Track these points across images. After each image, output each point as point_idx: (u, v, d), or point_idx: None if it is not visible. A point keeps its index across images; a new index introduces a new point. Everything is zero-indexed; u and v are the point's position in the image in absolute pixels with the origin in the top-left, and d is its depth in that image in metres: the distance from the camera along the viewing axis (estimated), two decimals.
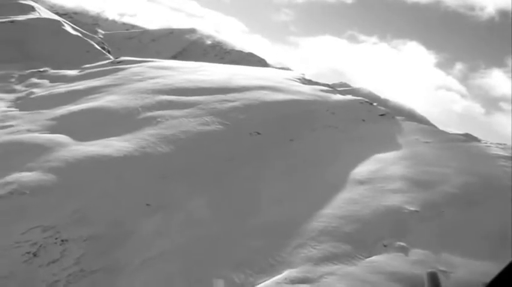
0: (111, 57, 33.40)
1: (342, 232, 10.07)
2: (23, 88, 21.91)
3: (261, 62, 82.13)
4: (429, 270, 1.88)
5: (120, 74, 24.23)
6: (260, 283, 8.46)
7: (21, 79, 23.36)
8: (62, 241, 9.47)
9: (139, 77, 23.09)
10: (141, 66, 26.40)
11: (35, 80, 23.39)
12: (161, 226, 10.83)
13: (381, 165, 13.80)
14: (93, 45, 34.89)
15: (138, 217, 10.86)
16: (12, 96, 20.64)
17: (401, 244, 9.55)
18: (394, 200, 11.21)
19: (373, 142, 16.43)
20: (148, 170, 12.82)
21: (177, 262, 9.41)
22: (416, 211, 10.69)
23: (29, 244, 9.35)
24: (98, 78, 23.33)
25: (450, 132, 18.96)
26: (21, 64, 25.64)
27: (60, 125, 15.95)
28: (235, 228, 11.04)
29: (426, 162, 13.68)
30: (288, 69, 36.70)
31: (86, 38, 37.83)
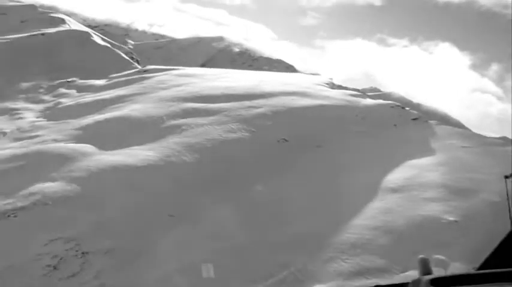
0: (138, 66, 33.58)
1: (375, 244, 9.45)
2: (51, 98, 22.10)
3: (289, 68, 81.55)
4: (421, 256, 1.84)
5: (146, 82, 24.18)
6: None
7: (50, 89, 23.60)
8: (83, 253, 9.20)
9: (164, 85, 22.96)
10: (166, 74, 26.32)
11: (63, 90, 23.60)
12: (184, 237, 10.44)
13: (415, 171, 13.06)
14: (120, 55, 35.18)
15: (160, 228, 10.51)
16: (40, 106, 20.83)
17: (440, 257, 8.82)
18: (431, 210, 10.49)
19: (406, 147, 15.66)
20: (172, 179, 12.49)
21: (200, 276, 8.98)
22: (455, 221, 9.96)
23: (50, 256, 9.13)
24: (124, 87, 23.32)
25: (487, 136, 18.00)
26: (50, 75, 25.94)
27: (85, 135, 15.87)
28: (262, 240, 10.55)
29: (464, 168, 12.86)
30: (316, 74, 36.06)
31: (114, 49, 38.24)
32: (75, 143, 15.02)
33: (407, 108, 20.04)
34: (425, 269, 1.95)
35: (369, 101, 19.95)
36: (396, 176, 12.97)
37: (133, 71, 29.07)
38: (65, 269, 9.04)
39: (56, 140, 15.35)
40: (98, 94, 22.60)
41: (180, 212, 11.19)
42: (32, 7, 46.72)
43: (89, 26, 66.46)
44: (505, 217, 10.05)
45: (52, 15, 45.33)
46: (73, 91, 23.59)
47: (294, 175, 13.91)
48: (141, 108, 19.07)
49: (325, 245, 9.57)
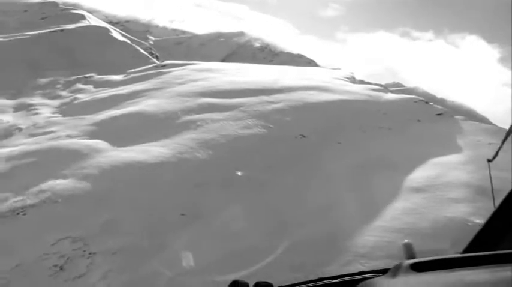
0: (156, 61, 33.41)
1: (396, 247, 8.86)
2: (68, 94, 22.03)
3: (310, 63, 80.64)
4: (405, 241, 1.86)
5: (163, 77, 23.93)
6: None
7: (67, 85, 23.57)
8: (90, 253, 8.89)
9: (182, 80, 22.65)
10: (184, 69, 26.03)
11: (80, 85, 23.54)
12: (196, 237, 10.03)
13: (440, 170, 12.37)
14: (139, 50, 35.09)
15: (171, 227, 10.13)
16: (57, 102, 20.76)
17: None
18: (457, 211, 9.83)
19: (431, 144, 14.95)
20: (184, 177, 12.11)
21: (210, 278, 8.57)
22: (481, 224, 9.30)
23: (57, 256, 8.84)
24: (141, 83, 23.11)
25: None
26: (68, 71, 25.96)
27: (99, 131, 15.65)
28: (276, 242, 10.06)
29: (492, 166, 12.12)
30: (337, 69, 35.33)
31: (133, 44, 38.20)
32: (89, 139, 14.79)
33: (431, 103, 19.24)
34: (410, 254, 1.86)
35: (391, 96, 19.22)
36: (420, 175, 12.29)
37: (151, 66, 28.88)
38: (72, 269, 8.74)
39: (69, 136, 15.16)
40: (114, 89, 22.44)
41: (192, 211, 10.79)
42: (53, 4, 47.12)
43: (110, 23, 66.92)
44: None
45: (72, 11, 45.55)
46: (90, 87, 23.50)
47: (311, 172, 13.36)
48: (156, 103, 18.78)
49: (343, 248, 9.02)
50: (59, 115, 18.43)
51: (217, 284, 8.58)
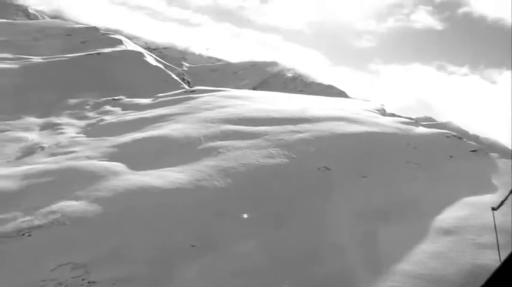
0: (186, 87, 33.61)
1: None
2: (95, 115, 22.18)
3: (341, 95, 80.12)
4: None
5: (191, 103, 23.86)
6: None
7: (96, 106, 23.79)
8: (89, 282, 8.42)
9: (208, 106, 22.49)
10: (212, 95, 25.95)
11: (108, 107, 23.72)
12: (206, 271, 9.45)
13: (473, 211, 11.43)
14: (171, 75, 35.44)
15: (180, 259, 9.59)
16: (83, 122, 20.87)
17: None
18: (489, 258, 8.91)
19: (463, 183, 14.00)
20: (199, 205, 11.62)
21: None
22: None
23: (54, 283, 8.41)
24: (168, 107, 23.09)
25: None
26: (99, 92, 26.31)
27: (119, 153, 15.46)
28: (291, 279, 9.40)
29: None
30: (367, 100, 34.65)
31: (166, 69, 38.69)
32: (108, 161, 14.59)
33: (464, 139, 18.26)
34: None
35: (422, 130, 18.37)
36: (450, 215, 11.40)
37: (180, 91, 28.99)
38: None
39: (89, 157, 15.01)
40: (141, 113, 22.46)
41: (204, 242, 10.24)
42: (94, 29, 48.65)
43: (148, 49, 68.58)
44: None
45: (111, 36, 46.84)
46: (118, 109, 23.64)
47: (333, 207, 12.65)
48: (181, 128, 18.57)
49: None
50: (83, 135, 18.45)
51: None
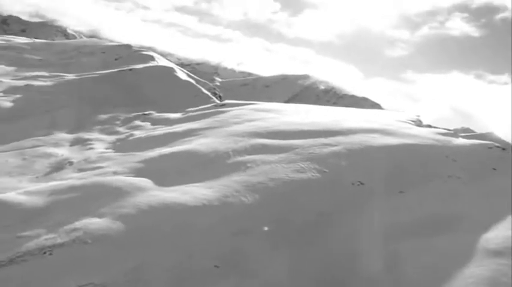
0: (216, 101, 33.45)
1: None
2: (125, 130, 22.17)
3: (375, 106, 78.59)
4: None
5: (220, 116, 23.53)
6: None
7: (126, 122, 23.83)
8: None
9: (238, 120, 22.07)
10: (242, 109, 25.56)
11: (138, 122, 23.72)
12: None
13: None
14: (201, 90, 35.40)
15: (202, 280, 9.07)
16: (113, 138, 20.85)
17: None
18: None
19: (510, 197, 12.96)
20: (224, 223, 11.10)
21: None
22: None
23: None
24: (198, 121, 22.83)
25: None
26: (129, 108, 26.42)
27: (146, 168, 15.18)
28: None
29: None
30: (402, 111, 33.50)
31: (197, 84, 38.75)
32: (134, 176, 14.31)
33: (508, 150, 17.08)
34: None
35: (461, 141, 17.32)
36: (499, 234, 10.43)
37: (210, 105, 28.79)
38: None
39: (116, 173, 14.80)
40: (170, 127, 22.28)
41: (228, 263, 9.69)
42: (127, 46, 49.55)
43: (181, 65, 69.30)
44: None
45: (143, 53, 47.53)
46: (148, 124, 23.60)
47: (369, 225, 11.87)
48: (209, 142, 18.18)
49: None
50: (112, 151, 18.35)
51: None
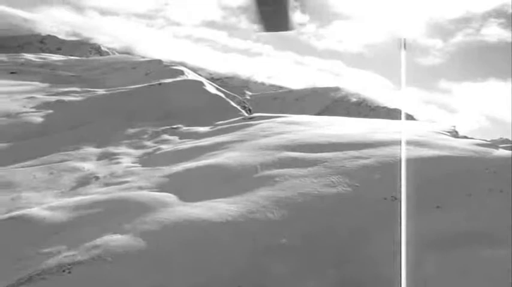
0: (245, 114, 33.16)
1: None
2: (152, 144, 22.05)
3: (408, 118, 76.79)
4: None
5: (248, 129, 23.18)
6: None
7: (154, 135, 23.75)
8: None
9: (266, 133, 21.64)
10: (271, 121, 25.14)
11: (166, 136, 23.60)
12: None
13: None
14: (230, 103, 35.22)
15: None
16: (140, 152, 20.74)
17: None
18: None
19: None
20: (250, 240, 10.57)
21: None
22: None
23: None
24: (225, 135, 22.53)
25: None
26: (158, 121, 26.41)
27: (171, 183, 14.86)
28: None
29: None
30: (436, 122, 32.33)
31: (226, 98, 38.65)
32: (159, 191, 14.01)
33: None
34: None
35: (501, 152, 16.28)
36: None
37: (238, 118, 28.50)
38: None
39: (141, 188, 14.54)
40: (198, 141, 22.04)
41: (253, 283, 9.14)
42: (158, 61, 50.19)
43: (211, 79, 69.59)
44: None
45: (173, 67, 47.98)
46: (175, 137, 23.45)
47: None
48: (236, 156, 17.77)
49: None
50: (138, 165, 18.19)
51: None
